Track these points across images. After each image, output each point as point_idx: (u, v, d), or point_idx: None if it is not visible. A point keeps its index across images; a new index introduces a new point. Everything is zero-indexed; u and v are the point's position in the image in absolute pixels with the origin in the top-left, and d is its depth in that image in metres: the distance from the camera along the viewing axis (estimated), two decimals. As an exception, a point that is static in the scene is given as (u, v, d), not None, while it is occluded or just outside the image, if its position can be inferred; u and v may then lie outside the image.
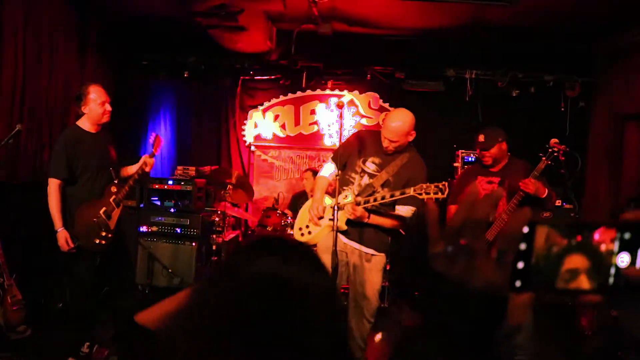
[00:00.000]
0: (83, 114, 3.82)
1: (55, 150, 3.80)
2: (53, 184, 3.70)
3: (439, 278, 0.64)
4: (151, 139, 4.16)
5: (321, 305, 0.89)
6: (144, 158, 4.07)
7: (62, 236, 3.71)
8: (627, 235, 0.61)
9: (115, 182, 3.95)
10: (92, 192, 3.83)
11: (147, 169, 4.08)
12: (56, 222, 3.71)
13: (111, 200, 3.87)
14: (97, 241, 3.78)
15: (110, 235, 3.83)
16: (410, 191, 3.19)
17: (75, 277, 3.89)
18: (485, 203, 0.65)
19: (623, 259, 0.62)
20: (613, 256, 0.62)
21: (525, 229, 0.60)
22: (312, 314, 0.87)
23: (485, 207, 0.64)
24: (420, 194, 3.14)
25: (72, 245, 3.72)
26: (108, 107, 3.85)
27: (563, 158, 3.69)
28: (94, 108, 3.79)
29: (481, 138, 3.88)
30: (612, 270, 0.62)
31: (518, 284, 0.61)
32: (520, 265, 0.61)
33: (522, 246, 0.60)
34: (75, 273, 3.87)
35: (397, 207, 3.44)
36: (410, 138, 3.48)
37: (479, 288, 0.62)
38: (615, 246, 0.62)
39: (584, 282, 0.62)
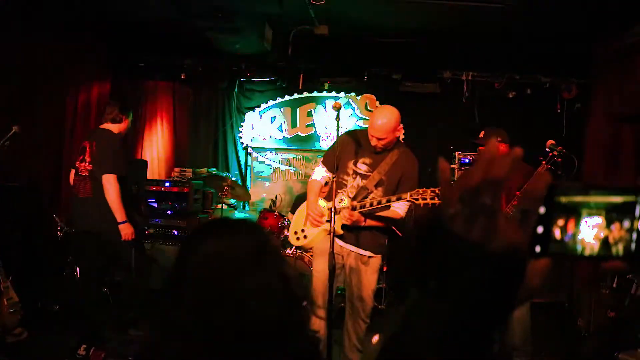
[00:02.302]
0: (119, 120, 4.25)
1: (112, 149, 4.12)
2: (113, 179, 4.01)
3: (456, 240, 0.61)
4: None
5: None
6: None
7: (129, 226, 4.08)
8: None
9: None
10: (127, 190, 4.32)
11: None
12: (121, 214, 4.04)
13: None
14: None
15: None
16: (407, 196, 3.19)
17: (126, 262, 4.25)
18: (504, 161, 0.61)
19: None
20: (635, 221, 0.60)
21: (546, 192, 0.59)
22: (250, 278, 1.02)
23: (503, 166, 0.61)
24: (417, 199, 3.14)
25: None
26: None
27: (560, 159, 3.70)
28: (128, 124, 4.36)
29: (481, 134, 3.95)
30: (634, 236, 0.60)
31: (537, 249, 0.59)
32: (540, 229, 0.59)
33: (542, 210, 0.59)
34: (126, 258, 4.23)
35: (392, 204, 3.45)
36: (398, 134, 3.50)
37: (500, 249, 0.59)
38: (637, 211, 0.60)
39: (604, 251, 0.60)
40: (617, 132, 5.50)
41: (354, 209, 3.40)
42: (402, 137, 6.78)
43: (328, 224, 3.35)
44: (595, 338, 4.54)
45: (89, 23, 6.04)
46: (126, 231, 4.06)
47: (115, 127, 4.26)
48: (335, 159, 3.51)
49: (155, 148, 7.26)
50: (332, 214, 3.21)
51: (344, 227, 3.49)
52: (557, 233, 0.59)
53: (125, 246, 4.13)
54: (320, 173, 3.73)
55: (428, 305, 0.63)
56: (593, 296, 4.69)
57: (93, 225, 4.14)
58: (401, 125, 3.52)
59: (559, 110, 6.61)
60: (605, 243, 0.60)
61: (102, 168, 4.05)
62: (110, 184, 3.99)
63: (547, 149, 3.72)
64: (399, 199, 3.25)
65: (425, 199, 3.11)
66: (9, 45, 4.86)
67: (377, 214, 3.47)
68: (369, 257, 3.55)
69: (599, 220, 0.60)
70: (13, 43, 4.92)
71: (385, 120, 3.40)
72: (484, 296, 0.60)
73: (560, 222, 0.59)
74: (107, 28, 6.34)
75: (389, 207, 3.44)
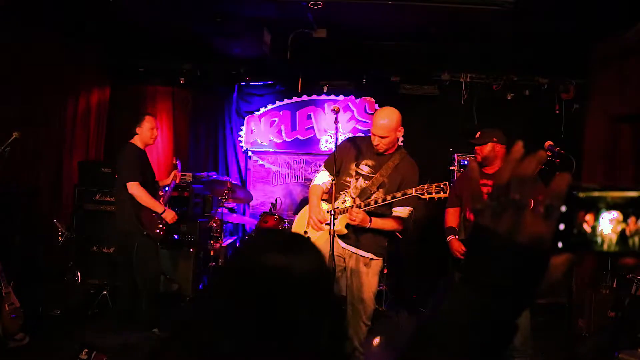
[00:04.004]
0: (135, 132, 4.71)
1: (126, 160, 4.58)
2: (136, 185, 4.48)
3: (484, 231, 0.65)
4: (173, 161, 5.09)
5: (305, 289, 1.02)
6: (174, 172, 5.09)
7: (169, 212, 4.67)
8: None
9: (160, 188, 4.98)
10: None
11: (177, 181, 5.15)
12: (158, 207, 4.59)
13: (161, 201, 4.79)
14: (158, 230, 4.65)
15: (164, 227, 4.71)
16: (412, 191, 3.24)
17: (147, 262, 4.60)
18: (531, 162, 0.66)
19: None
20: None
21: (566, 191, 0.62)
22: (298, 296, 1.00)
23: (530, 165, 0.66)
24: (422, 194, 3.19)
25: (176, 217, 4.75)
26: (155, 133, 4.81)
27: (558, 160, 3.71)
28: (145, 132, 4.72)
29: (478, 134, 3.96)
30: None
31: (559, 245, 0.62)
32: (562, 226, 0.62)
33: (563, 208, 0.62)
34: (147, 259, 4.60)
35: (394, 208, 3.48)
36: (399, 134, 3.56)
37: (525, 241, 0.63)
38: None
39: (622, 244, 0.63)
40: (615, 132, 5.51)
41: (358, 207, 3.43)
42: (401, 139, 6.80)
43: (329, 226, 3.37)
44: (595, 338, 4.54)
45: (88, 28, 6.06)
46: (169, 217, 4.64)
47: (136, 139, 4.71)
48: (336, 162, 3.53)
49: (155, 152, 7.27)
50: (332, 217, 3.23)
51: (347, 227, 3.51)
52: (578, 228, 0.62)
53: (133, 254, 4.53)
54: (322, 178, 3.75)
55: (457, 291, 0.67)
56: (593, 296, 4.70)
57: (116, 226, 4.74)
58: (402, 127, 3.56)
59: (557, 111, 6.62)
60: (622, 236, 0.63)
61: (122, 178, 4.56)
62: (134, 190, 4.47)
63: (542, 150, 3.73)
64: (404, 194, 3.31)
65: (431, 193, 3.18)
66: (8, 51, 4.88)
67: (382, 215, 3.51)
68: (371, 259, 3.57)
69: (616, 214, 0.63)
70: (13, 49, 4.94)
71: (387, 119, 3.46)
72: (509, 284, 0.64)
73: (580, 216, 0.62)
74: (106, 33, 6.36)
75: (390, 208, 3.48)
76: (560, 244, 0.62)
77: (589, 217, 0.62)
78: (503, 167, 0.67)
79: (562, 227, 0.62)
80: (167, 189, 5.11)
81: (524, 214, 0.64)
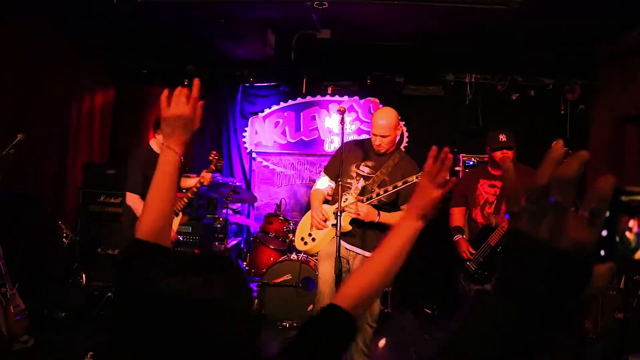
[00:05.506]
0: (154, 137, 4.35)
1: (131, 167, 4.13)
2: (133, 197, 4.03)
3: (521, 236, 0.62)
4: (211, 157, 4.46)
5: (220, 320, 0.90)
6: (203, 173, 4.42)
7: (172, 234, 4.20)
8: None
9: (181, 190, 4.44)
10: None
11: (205, 183, 4.45)
12: None
13: (177, 206, 4.33)
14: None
15: (171, 240, 4.23)
16: (413, 178, 3.28)
17: None
18: (573, 161, 0.62)
19: None
20: None
21: (611, 195, 0.58)
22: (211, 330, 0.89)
23: (572, 166, 0.62)
24: None
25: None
26: None
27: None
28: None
29: (503, 137, 3.90)
30: None
31: (602, 252, 0.59)
32: (604, 233, 0.58)
33: (607, 213, 0.58)
34: None
35: (402, 207, 3.50)
36: (399, 132, 3.64)
37: (568, 247, 0.59)
38: None
39: None
40: (621, 132, 5.49)
41: (361, 202, 3.46)
42: (405, 139, 6.78)
43: (334, 226, 3.37)
44: (603, 340, 4.51)
45: (92, 29, 6.06)
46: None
47: (153, 143, 4.34)
48: (339, 164, 3.54)
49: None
50: (339, 218, 3.22)
51: (352, 223, 3.52)
52: (621, 235, 0.59)
53: None
54: (322, 183, 3.79)
55: (488, 299, 0.64)
56: (600, 298, 4.66)
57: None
58: (401, 124, 3.62)
59: (562, 112, 6.59)
60: None
61: (125, 185, 4.18)
62: (130, 201, 4.08)
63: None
64: (405, 182, 3.34)
65: None
66: (11, 53, 4.88)
67: (391, 213, 3.54)
68: (375, 260, 3.56)
69: None
70: (14, 51, 4.94)
71: (386, 118, 3.54)
72: (548, 291, 0.59)
73: (624, 222, 0.59)
74: (110, 35, 6.37)
75: (396, 195, 3.49)
76: (602, 252, 0.59)
77: (633, 223, 0.58)
78: (543, 167, 0.63)
79: (604, 233, 0.58)
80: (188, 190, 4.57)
81: (566, 217, 0.59)
